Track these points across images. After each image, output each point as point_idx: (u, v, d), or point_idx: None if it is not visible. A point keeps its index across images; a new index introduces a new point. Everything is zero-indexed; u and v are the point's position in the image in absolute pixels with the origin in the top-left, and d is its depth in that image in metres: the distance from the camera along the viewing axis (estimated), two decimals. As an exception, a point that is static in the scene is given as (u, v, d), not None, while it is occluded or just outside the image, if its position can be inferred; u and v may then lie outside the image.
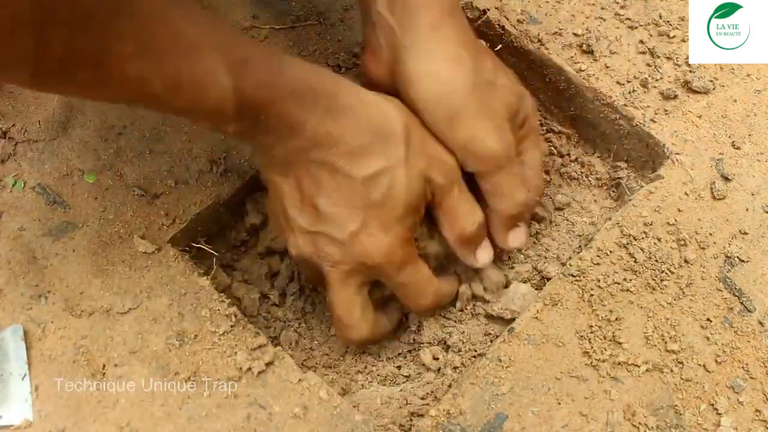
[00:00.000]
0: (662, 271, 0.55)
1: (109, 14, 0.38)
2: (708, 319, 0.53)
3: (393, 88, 0.52)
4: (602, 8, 0.68)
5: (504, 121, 0.53)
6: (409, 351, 0.59)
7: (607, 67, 0.64)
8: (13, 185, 0.59)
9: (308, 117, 0.47)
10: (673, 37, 0.66)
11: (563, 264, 0.59)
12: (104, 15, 0.37)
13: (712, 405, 0.50)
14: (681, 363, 0.52)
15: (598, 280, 0.55)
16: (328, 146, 0.48)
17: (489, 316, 0.58)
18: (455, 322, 0.58)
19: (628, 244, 0.56)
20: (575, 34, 0.66)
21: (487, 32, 0.66)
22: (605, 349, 0.52)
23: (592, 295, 0.54)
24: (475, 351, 0.56)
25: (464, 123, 0.51)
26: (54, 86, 0.43)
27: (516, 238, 0.56)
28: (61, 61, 0.38)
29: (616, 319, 0.53)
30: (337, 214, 0.49)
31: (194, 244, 0.58)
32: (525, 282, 0.59)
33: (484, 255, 0.55)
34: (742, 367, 0.52)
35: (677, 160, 0.60)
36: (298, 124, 0.47)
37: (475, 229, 0.54)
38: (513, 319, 0.55)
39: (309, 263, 0.53)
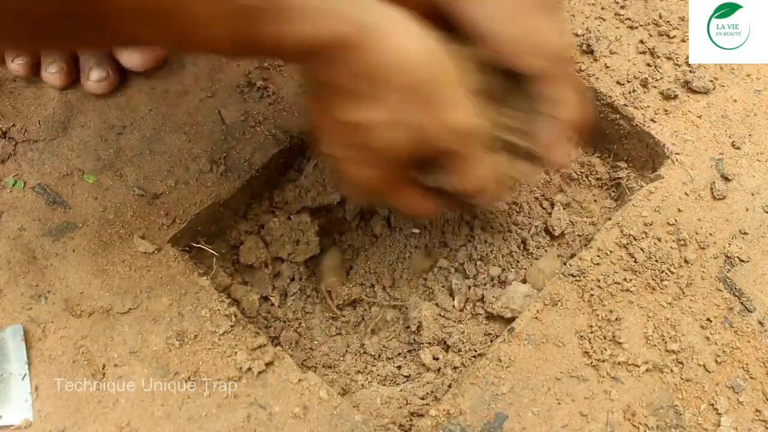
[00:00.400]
0: (662, 271, 0.55)
1: None
2: (708, 319, 0.53)
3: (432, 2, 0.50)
4: (602, 8, 0.68)
5: (562, 23, 0.51)
6: (409, 351, 0.59)
7: (607, 67, 0.64)
8: (13, 185, 0.59)
9: (308, 64, 0.46)
10: (673, 37, 0.66)
11: (563, 264, 0.59)
12: None
13: (712, 405, 0.50)
14: (681, 363, 0.52)
15: (598, 280, 0.55)
16: (325, 86, 0.47)
17: (489, 316, 0.58)
18: (455, 322, 0.58)
19: (628, 244, 0.56)
20: (575, 34, 0.66)
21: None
22: (605, 349, 0.52)
23: (592, 295, 0.54)
24: (475, 351, 0.56)
25: (527, 13, 0.49)
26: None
27: (562, 153, 0.52)
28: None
29: (616, 319, 0.53)
30: (328, 132, 0.50)
31: (194, 244, 0.59)
32: (525, 282, 0.59)
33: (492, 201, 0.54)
34: (742, 367, 0.52)
35: (677, 160, 0.60)
36: (297, 66, 0.46)
37: (476, 188, 0.51)
38: (513, 319, 0.55)
39: None
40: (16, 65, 0.63)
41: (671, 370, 0.51)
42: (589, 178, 0.65)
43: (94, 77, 0.62)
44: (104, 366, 0.51)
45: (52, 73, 0.63)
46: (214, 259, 0.58)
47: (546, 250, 0.61)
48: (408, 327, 0.59)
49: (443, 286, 0.60)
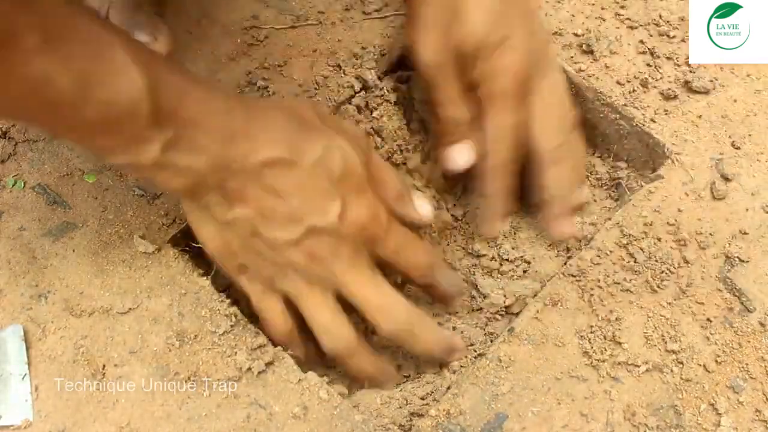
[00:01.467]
0: (662, 271, 0.55)
1: (10, 6, 0.37)
2: (708, 319, 0.53)
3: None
4: (602, 8, 0.68)
5: None
6: (409, 351, 0.59)
7: (607, 67, 0.64)
8: (13, 185, 0.59)
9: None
10: (673, 37, 0.66)
11: (563, 264, 0.59)
12: (5, 7, 0.37)
13: (712, 405, 0.50)
14: (681, 363, 0.52)
15: (598, 280, 0.55)
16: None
17: (489, 316, 0.58)
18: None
19: (628, 244, 0.56)
20: (575, 34, 0.66)
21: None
22: (605, 349, 0.52)
23: (592, 295, 0.54)
24: (475, 351, 0.56)
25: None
26: None
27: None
28: None
29: (616, 319, 0.53)
30: None
31: (194, 244, 0.58)
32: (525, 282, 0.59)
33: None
34: (742, 367, 0.52)
35: (677, 160, 0.60)
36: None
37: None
38: (510, 306, 0.55)
39: None
40: None
41: (671, 370, 0.51)
42: (589, 178, 0.65)
43: None
44: (104, 366, 0.51)
45: None
46: (214, 259, 0.58)
47: (546, 250, 0.61)
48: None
49: (443, 286, 0.60)
